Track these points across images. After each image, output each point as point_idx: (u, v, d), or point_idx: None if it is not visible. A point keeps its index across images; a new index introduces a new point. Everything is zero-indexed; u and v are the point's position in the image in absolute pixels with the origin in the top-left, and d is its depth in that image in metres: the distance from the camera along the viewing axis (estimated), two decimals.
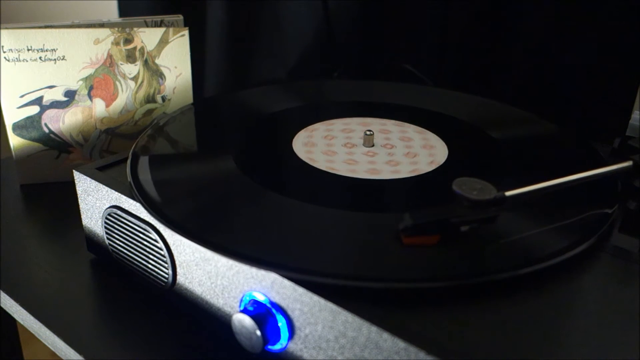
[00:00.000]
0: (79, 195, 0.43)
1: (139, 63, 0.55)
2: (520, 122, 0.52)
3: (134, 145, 0.45)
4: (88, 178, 0.41)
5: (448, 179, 0.34)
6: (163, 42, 0.55)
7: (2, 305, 0.43)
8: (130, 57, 0.54)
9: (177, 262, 0.37)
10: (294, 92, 0.59)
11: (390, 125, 0.51)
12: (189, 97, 0.58)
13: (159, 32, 0.54)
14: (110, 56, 0.54)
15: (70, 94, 0.54)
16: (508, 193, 0.34)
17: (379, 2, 0.76)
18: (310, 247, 0.34)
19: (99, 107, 0.55)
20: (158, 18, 0.56)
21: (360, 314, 0.28)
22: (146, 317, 0.40)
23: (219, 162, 0.43)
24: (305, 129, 0.50)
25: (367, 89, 0.60)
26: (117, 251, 0.42)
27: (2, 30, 0.50)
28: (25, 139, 0.55)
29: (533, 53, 0.67)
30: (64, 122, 0.55)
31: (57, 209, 0.53)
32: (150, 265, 0.39)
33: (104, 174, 0.42)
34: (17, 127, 0.54)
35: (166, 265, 0.38)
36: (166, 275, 0.38)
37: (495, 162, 0.45)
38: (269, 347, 0.33)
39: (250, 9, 0.86)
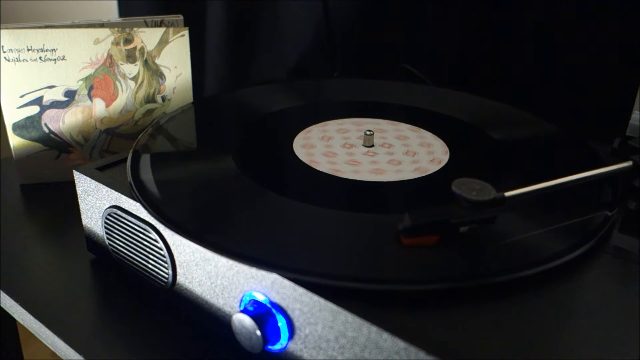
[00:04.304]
0: (79, 195, 0.43)
1: (139, 63, 0.55)
2: (520, 122, 0.52)
3: (134, 145, 0.45)
4: (88, 178, 0.41)
5: (447, 180, 0.34)
6: (163, 42, 0.55)
7: (2, 305, 0.43)
8: (130, 57, 0.54)
9: (177, 262, 0.37)
10: (294, 91, 0.59)
11: (389, 125, 0.51)
12: (189, 97, 0.58)
13: (159, 32, 0.54)
14: (110, 56, 0.54)
15: (70, 94, 0.54)
16: (507, 193, 0.34)
17: (379, 2, 0.76)
18: (311, 247, 0.34)
19: (99, 107, 0.55)
20: (158, 18, 0.56)
21: (360, 314, 0.28)
22: (146, 317, 0.40)
23: (219, 162, 0.43)
24: (305, 128, 0.50)
25: (367, 89, 0.60)
26: (117, 251, 0.42)
27: (2, 30, 0.50)
28: (25, 139, 0.55)
29: (533, 53, 0.67)
30: (64, 122, 0.55)
31: (57, 209, 0.53)
32: (150, 265, 0.39)
33: (104, 174, 0.42)
34: (17, 127, 0.54)
35: (166, 265, 0.38)
36: (166, 275, 0.38)
37: (495, 162, 0.45)
38: (269, 347, 0.33)
39: (250, 9, 0.86)
